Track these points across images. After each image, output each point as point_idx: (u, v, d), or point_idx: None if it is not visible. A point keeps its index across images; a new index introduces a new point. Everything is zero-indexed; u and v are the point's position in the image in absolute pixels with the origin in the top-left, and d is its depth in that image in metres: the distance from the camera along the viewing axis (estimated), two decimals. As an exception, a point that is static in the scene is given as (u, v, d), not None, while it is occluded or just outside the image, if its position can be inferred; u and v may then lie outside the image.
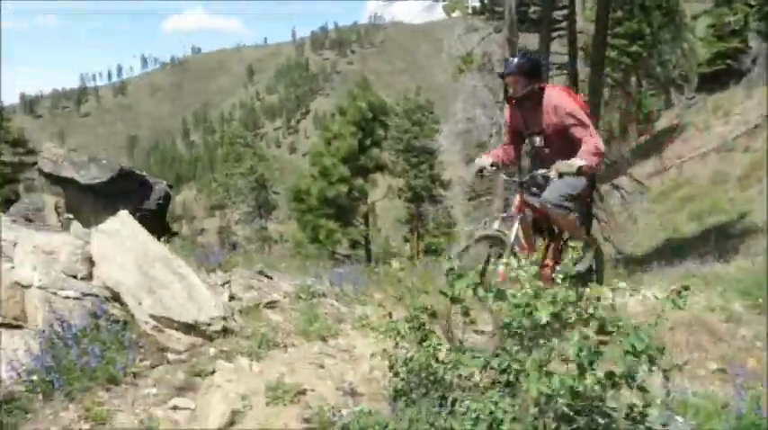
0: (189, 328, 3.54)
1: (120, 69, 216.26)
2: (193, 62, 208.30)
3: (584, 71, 13.85)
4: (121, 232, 3.89)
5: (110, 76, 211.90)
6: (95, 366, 3.15)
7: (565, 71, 13.64)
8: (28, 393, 3.13)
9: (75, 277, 3.64)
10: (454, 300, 3.21)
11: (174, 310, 3.54)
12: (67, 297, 3.51)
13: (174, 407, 3.10)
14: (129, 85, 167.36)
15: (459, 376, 2.75)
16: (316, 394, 3.12)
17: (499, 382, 2.53)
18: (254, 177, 30.39)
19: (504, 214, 4.16)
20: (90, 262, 3.79)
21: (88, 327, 3.44)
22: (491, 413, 2.22)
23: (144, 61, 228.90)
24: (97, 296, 3.58)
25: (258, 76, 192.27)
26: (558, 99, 4.10)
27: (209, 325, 3.58)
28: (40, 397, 3.09)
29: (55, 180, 9.17)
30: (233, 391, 3.10)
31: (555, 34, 13.59)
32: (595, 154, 3.99)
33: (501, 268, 3.62)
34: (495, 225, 3.99)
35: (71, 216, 9.05)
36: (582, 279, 4.11)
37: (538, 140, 4.27)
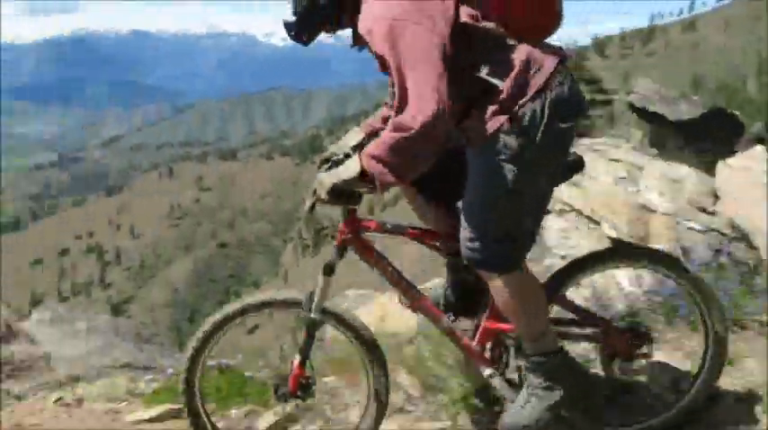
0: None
1: (691, 6, 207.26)
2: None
3: None
4: (753, 168, 3.60)
5: (681, 12, 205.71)
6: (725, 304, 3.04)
7: None
8: (650, 312, 3.26)
9: (702, 210, 3.59)
10: None
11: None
12: (691, 228, 3.49)
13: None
14: (698, 21, 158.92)
15: None
16: None
17: None
18: None
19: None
20: (714, 196, 3.67)
21: (711, 263, 3.35)
22: None
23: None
24: (721, 233, 3.45)
25: None
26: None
27: None
28: (662, 319, 3.18)
29: (643, 114, 9.41)
30: None
31: None
32: (396, 142, 1.76)
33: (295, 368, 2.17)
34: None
35: (656, 150, 9.21)
36: None
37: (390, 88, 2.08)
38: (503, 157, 1.80)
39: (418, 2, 1.75)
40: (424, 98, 1.69)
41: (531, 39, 1.84)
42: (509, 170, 1.81)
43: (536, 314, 2.01)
